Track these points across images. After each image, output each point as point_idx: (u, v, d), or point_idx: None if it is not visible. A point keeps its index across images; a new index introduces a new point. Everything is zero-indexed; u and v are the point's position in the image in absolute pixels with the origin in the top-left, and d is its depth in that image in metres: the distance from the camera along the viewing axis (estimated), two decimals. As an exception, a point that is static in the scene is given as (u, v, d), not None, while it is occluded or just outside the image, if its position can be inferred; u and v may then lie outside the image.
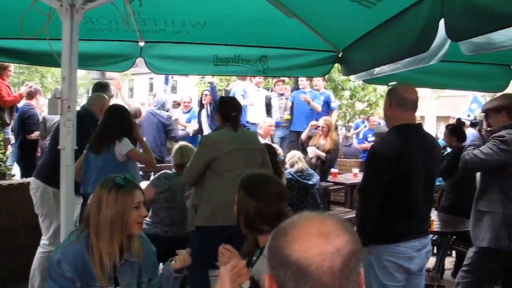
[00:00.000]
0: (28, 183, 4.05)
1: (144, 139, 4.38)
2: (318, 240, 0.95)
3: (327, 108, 8.10)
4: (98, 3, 2.65)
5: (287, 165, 5.36)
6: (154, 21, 3.68)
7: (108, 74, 10.22)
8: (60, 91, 2.62)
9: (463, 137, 5.00)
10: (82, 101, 12.65)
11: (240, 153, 3.39)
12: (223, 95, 9.50)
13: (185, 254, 2.33)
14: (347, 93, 11.39)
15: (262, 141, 6.22)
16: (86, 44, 3.59)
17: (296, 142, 7.50)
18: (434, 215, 4.38)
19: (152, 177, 4.58)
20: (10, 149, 6.17)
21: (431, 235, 3.58)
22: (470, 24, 1.89)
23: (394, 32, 2.70)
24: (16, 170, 6.08)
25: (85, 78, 22.81)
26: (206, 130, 7.43)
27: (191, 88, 19.35)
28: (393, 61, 2.89)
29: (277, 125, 7.99)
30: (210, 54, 4.18)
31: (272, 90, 8.64)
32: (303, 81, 7.99)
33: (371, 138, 8.93)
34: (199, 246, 3.36)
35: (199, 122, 7.77)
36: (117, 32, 3.67)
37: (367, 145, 8.56)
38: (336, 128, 8.20)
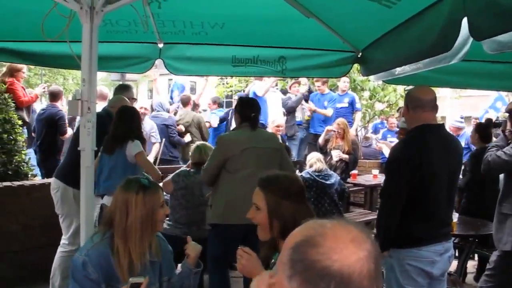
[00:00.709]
0: (49, 183, 4.11)
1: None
2: (353, 247, 0.95)
3: (352, 109, 8.12)
4: (118, 5, 2.66)
5: (306, 166, 5.37)
6: (173, 23, 3.69)
7: (128, 76, 10.29)
8: (80, 92, 2.65)
9: (487, 137, 4.90)
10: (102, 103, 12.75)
11: (253, 152, 3.41)
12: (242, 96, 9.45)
13: (193, 244, 2.38)
14: (366, 94, 11.30)
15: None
16: (105, 46, 3.62)
17: (314, 144, 7.49)
18: (455, 217, 4.31)
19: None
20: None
21: (453, 238, 3.52)
22: (494, 22, 1.85)
23: (415, 32, 2.65)
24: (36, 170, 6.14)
25: (105, 80, 23.07)
26: None
27: (210, 90, 19.41)
28: (414, 60, 2.85)
29: (299, 124, 8.01)
30: (228, 55, 4.18)
31: (288, 92, 8.61)
32: (320, 86, 8.00)
33: (390, 138, 8.83)
34: (214, 243, 3.39)
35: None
36: (136, 34, 3.70)
37: (380, 145, 8.48)
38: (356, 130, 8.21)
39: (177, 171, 4.20)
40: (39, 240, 4.44)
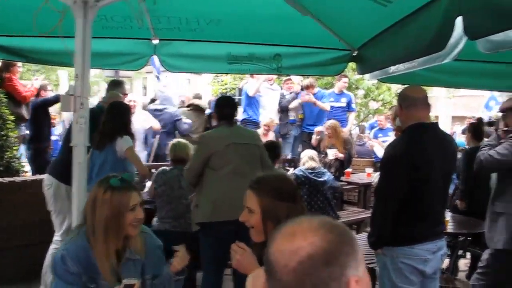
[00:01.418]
0: (41, 180, 4.08)
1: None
2: (284, 239, 0.99)
3: (348, 108, 8.16)
4: None
5: (300, 164, 5.39)
6: (168, 19, 3.67)
7: (122, 72, 10.27)
8: (73, 88, 2.63)
9: (479, 135, 4.93)
10: (95, 98, 12.72)
11: (236, 148, 3.41)
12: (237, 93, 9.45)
13: (182, 253, 2.33)
14: (361, 92, 11.33)
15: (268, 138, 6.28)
16: (100, 43, 3.60)
17: (308, 142, 7.51)
18: (448, 215, 4.33)
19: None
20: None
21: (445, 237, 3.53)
22: (488, 22, 1.85)
23: (410, 30, 2.66)
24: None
25: (99, 76, 22.96)
26: None
27: (204, 87, 19.34)
28: (409, 59, 2.85)
29: (292, 123, 8.00)
30: (224, 52, 4.17)
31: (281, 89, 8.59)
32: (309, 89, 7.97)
33: (382, 138, 8.83)
34: (205, 243, 3.37)
35: None
36: (131, 29, 3.68)
37: (372, 143, 8.50)
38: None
39: (155, 172, 4.24)
40: (29, 237, 4.40)
